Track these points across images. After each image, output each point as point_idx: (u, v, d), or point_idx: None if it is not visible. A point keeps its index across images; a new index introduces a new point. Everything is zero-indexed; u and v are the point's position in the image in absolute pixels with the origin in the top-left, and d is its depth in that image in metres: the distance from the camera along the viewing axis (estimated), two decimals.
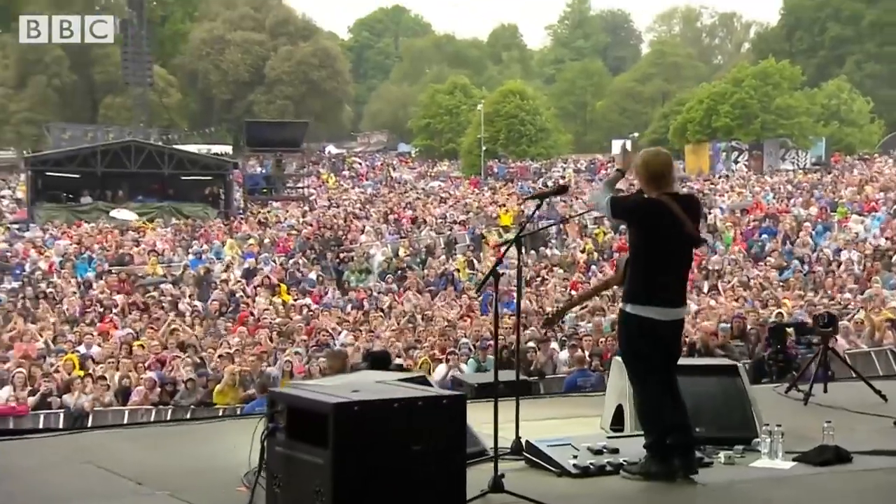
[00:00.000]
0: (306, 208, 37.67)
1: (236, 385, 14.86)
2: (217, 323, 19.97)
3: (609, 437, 6.55)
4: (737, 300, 20.96)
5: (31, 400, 14.72)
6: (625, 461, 6.21)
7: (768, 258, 26.09)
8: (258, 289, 23.85)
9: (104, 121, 55.93)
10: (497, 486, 5.55)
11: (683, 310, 6.38)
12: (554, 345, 16.72)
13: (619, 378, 7.34)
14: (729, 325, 17.10)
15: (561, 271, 26.23)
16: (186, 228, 32.78)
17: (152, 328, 18.96)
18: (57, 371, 15.82)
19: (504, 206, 34.17)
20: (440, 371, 15.45)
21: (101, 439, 6.58)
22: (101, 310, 21.42)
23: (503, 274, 25.05)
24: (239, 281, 24.98)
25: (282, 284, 24.43)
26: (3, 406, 14.44)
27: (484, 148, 52.63)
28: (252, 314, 21.03)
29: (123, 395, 15.25)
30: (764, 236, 28.61)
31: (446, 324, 19.03)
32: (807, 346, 11.29)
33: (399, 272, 26.85)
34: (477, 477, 5.78)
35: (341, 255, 28.42)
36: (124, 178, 37.67)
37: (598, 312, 19.33)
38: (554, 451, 6.30)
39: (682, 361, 7.62)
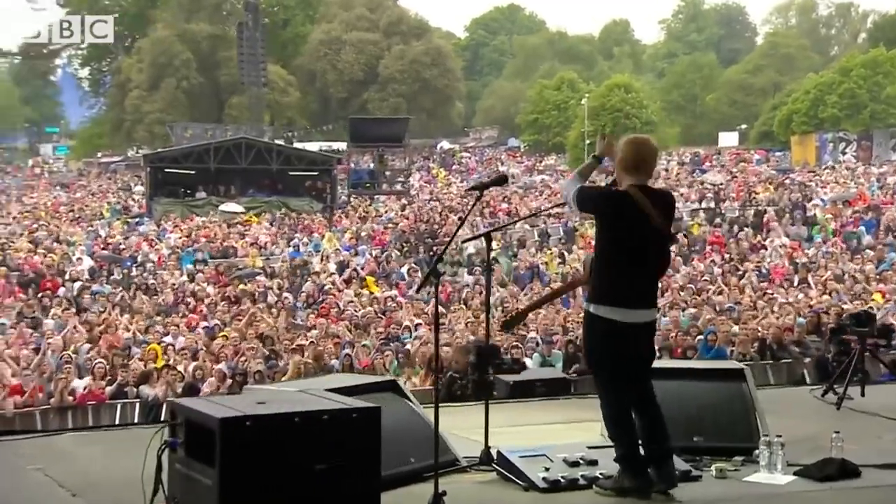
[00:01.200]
0: (405, 202, 37.44)
1: (300, 377, 14.58)
2: (297, 314, 19.80)
3: (590, 448, 5.85)
4: (828, 294, 19.79)
5: (109, 390, 14.68)
6: (601, 474, 5.57)
7: (866, 251, 24.65)
8: (347, 281, 23.67)
9: (229, 120, 56.78)
10: None
11: (652, 311, 5.67)
12: None
13: None
14: (805, 321, 16.14)
15: None
16: (289, 221, 32.89)
17: (239, 320, 18.90)
18: (141, 360, 15.81)
19: None
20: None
21: (73, 442, 6.18)
22: (194, 301, 21.50)
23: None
24: (332, 273, 24.84)
25: (369, 277, 24.17)
26: (81, 395, 14.43)
27: (587, 142, 51.55)
28: (338, 306, 20.80)
29: (197, 386, 15.13)
30: (862, 228, 27.10)
31: None
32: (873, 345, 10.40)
33: (496, 264, 26.34)
34: (448, 489, 5.26)
35: (434, 248, 28.04)
36: (236, 173, 38.14)
37: (676, 306, 18.46)
38: (524, 462, 5.66)
39: (685, 365, 6.95)
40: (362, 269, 25.60)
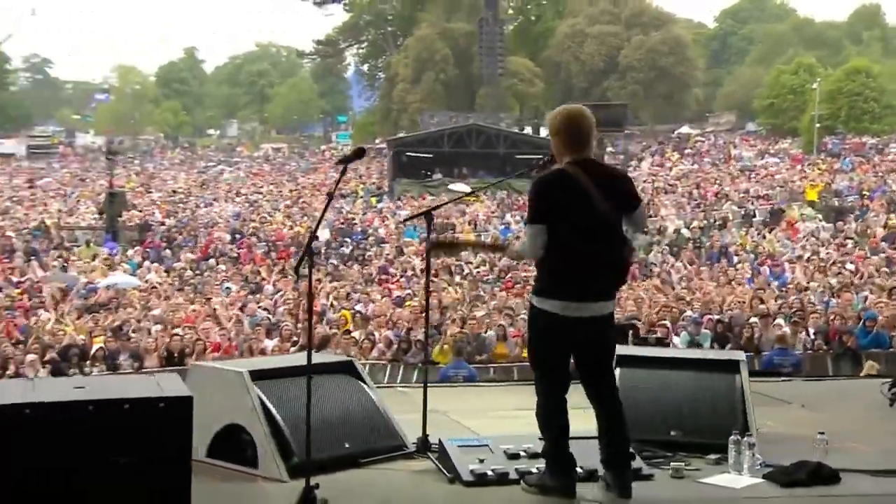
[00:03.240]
0: None
1: (454, 346, 14.28)
2: (483, 288, 19.48)
3: (541, 439, 5.12)
4: None
5: (293, 350, 14.94)
6: (538, 469, 4.80)
7: None
8: None
9: (479, 109, 57.19)
10: (307, 500, 4.29)
11: (604, 304, 4.67)
12: (779, 319, 14.52)
13: None
14: None
15: (851, 246, 23.10)
16: (509, 201, 32.62)
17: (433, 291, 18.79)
18: (332, 325, 16.04)
19: (812, 180, 30.71)
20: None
21: None
22: (399, 272, 21.67)
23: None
24: None
25: None
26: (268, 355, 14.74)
27: (818, 125, 47.84)
28: (525, 280, 20.31)
29: (368, 350, 15.16)
30: None
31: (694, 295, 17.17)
32: None
33: (690, 243, 24.93)
34: (370, 476, 4.81)
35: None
36: (467, 157, 38.39)
37: (846, 288, 16.65)
38: (461, 452, 4.98)
39: (675, 354, 6.08)
40: None
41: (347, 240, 26.89)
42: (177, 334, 14.82)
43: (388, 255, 23.83)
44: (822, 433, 5.05)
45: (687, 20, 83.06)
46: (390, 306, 17.60)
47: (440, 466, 4.98)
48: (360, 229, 28.51)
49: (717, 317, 14.59)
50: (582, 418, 5.76)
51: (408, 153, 39.40)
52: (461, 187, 34.94)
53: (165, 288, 19.95)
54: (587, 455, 4.79)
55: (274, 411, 4.88)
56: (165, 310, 17.07)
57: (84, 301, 18.17)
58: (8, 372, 12.74)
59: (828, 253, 21.95)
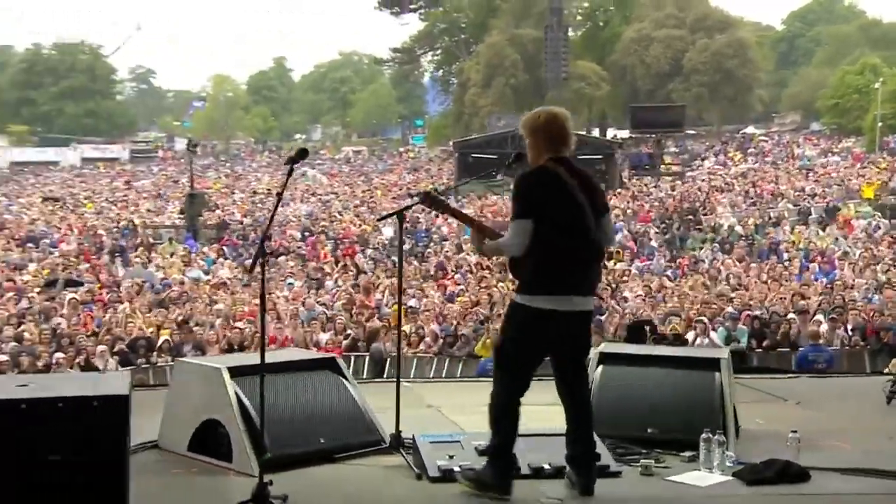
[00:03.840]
0: (679, 182, 35.42)
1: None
2: None
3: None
4: None
5: (345, 343, 14.97)
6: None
7: None
8: None
9: None
10: (260, 496, 4.11)
11: (586, 300, 4.48)
12: (819, 316, 14.01)
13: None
14: None
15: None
16: None
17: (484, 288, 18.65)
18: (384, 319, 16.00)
19: (869, 179, 29.58)
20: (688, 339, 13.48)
21: None
22: (454, 268, 21.55)
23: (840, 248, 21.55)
24: None
25: (619, 251, 22.99)
26: (323, 347, 14.79)
27: (880, 124, 46.17)
28: None
29: (416, 343, 15.11)
30: None
31: (733, 292, 16.66)
32: None
33: (742, 240, 24.22)
34: (340, 472, 4.71)
35: (690, 225, 26.26)
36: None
37: (888, 285, 15.99)
38: (432, 448, 4.83)
39: (656, 351, 5.85)
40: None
41: (409, 237, 26.83)
42: (237, 328, 14.92)
43: (446, 252, 23.71)
44: (795, 431, 4.78)
45: (755, 23, 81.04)
46: (441, 301, 17.53)
47: (409, 462, 4.85)
48: (424, 227, 28.45)
49: (756, 313, 14.12)
50: (546, 416, 5.49)
51: (473, 154, 39.24)
52: None
53: (233, 283, 20.17)
54: (553, 452, 4.62)
55: (249, 407, 4.82)
56: (230, 304, 17.23)
57: (157, 296, 18.48)
58: (78, 361, 13.02)
59: (879, 250, 21.12)
